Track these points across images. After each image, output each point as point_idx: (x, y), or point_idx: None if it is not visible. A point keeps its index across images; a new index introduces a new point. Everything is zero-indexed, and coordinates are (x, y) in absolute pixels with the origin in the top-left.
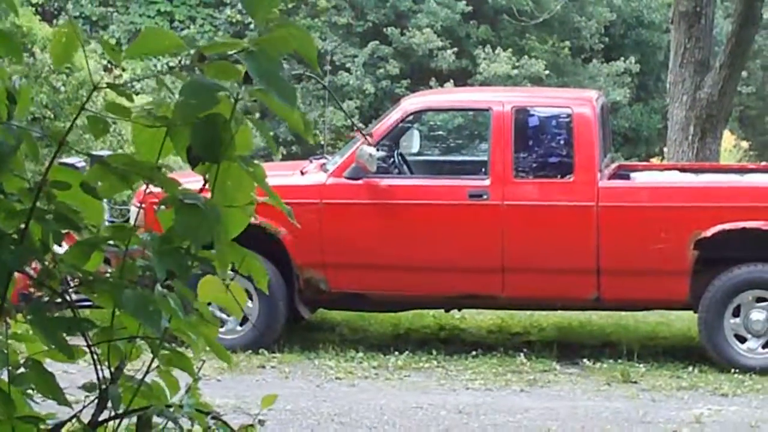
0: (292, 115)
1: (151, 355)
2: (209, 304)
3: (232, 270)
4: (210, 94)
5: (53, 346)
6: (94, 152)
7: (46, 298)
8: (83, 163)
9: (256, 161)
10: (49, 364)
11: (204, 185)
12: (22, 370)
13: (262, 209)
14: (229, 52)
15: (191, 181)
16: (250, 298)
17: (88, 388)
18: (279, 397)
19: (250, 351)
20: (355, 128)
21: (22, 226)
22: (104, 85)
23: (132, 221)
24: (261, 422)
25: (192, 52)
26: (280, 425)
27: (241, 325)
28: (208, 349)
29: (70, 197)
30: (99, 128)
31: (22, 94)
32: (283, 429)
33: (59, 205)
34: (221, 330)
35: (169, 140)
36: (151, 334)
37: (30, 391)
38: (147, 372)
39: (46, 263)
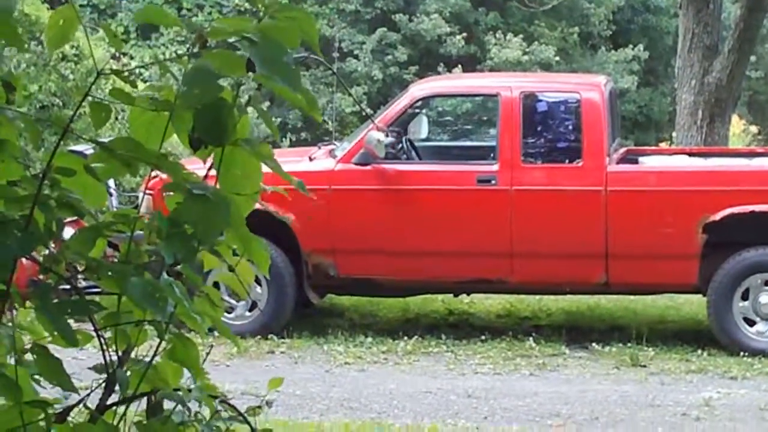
0: (296, 94)
1: (158, 340)
2: (217, 286)
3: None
4: (213, 81)
5: (57, 333)
6: (102, 139)
7: (53, 284)
8: (92, 150)
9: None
10: (58, 351)
11: (209, 170)
12: (28, 355)
13: (271, 195)
14: (230, 40)
15: (197, 168)
16: (259, 284)
17: (98, 369)
18: (288, 382)
19: (259, 337)
20: (366, 114)
21: (27, 212)
22: (108, 71)
23: (142, 209)
24: (269, 404)
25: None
26: (290, 410)
27: (250, 310)
28: (217, 334)
29: (74, 183)
30: (101, 115)
31: (18, 80)
32: (292, 414)
33: (63, 192)
34: (230, 316)
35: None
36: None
37: (36, 377)
38: (154, 356)
39: (52, 249)
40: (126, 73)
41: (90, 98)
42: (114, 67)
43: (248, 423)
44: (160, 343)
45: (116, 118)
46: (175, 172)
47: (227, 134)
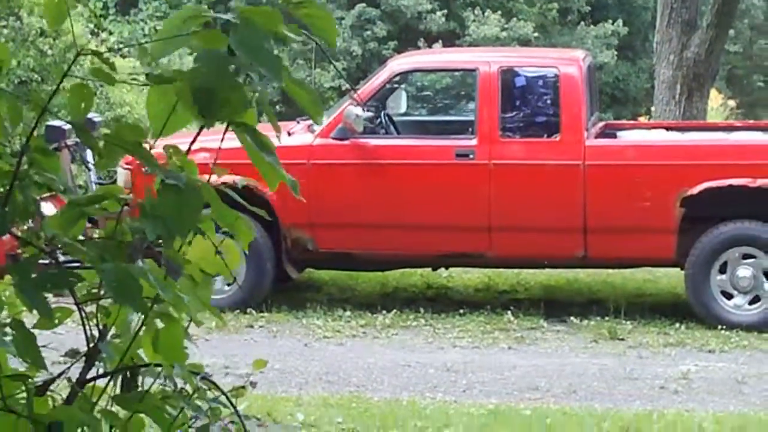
0: (304, 95)
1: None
2: None
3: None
4: (223, 63)
5: (35, 310)
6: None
7: (33, 258)
8: (99, 119)
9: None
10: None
11: (191, 145)
12: (6, 329)
13: (249, 170)
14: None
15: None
16: None
17: (70, 354)
18: (267, 356)
19: (238, 311)
20: (349, 87)
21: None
22: (88, 51)
23: (119, 182)
24: (252, 384)
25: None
26: (269, 384)
27: (228, 285)
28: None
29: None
30: (83, 94)
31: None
32: (271, 388)
33: (40, 169)
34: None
35: (182, 110)
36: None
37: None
38: (137, 332)
39: (32, 224)
40: (105, 53)
41: (72, 78)
42: (94, 44)
43: (230, 402)
44: (144, 320)
45: (95, 94)
46: (150, 161)
47: (221, 111)
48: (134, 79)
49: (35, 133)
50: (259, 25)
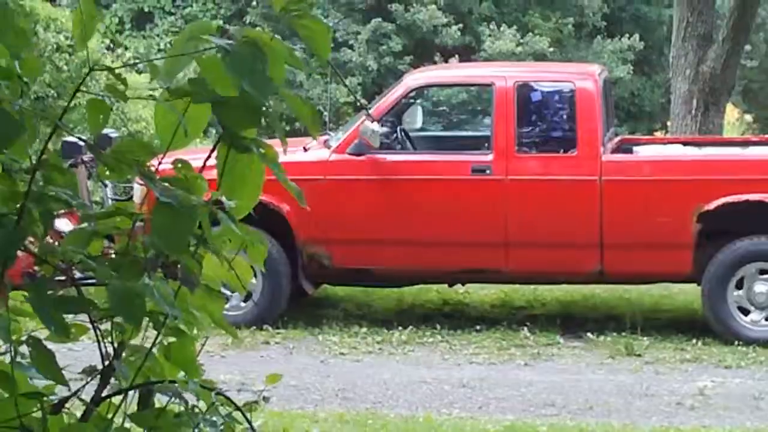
0: (302, 108)
1: (155, 332)
2: None
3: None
4: (260, 67)
5: (51, 328)
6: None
7: (49, 277)
8: (115, 134)
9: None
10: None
11: (205, 161)
12: (24, 347)
13: (266, 185)
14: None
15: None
16: (255, 275)
17: (88, 371)
18: (283, 372)
19: (254, 327)
20: (360, 104)
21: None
22: (102, 67)
23: (135, 199)
24: (266, 399)
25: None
26: (285, 401)
27: (244, 301)
28: (213, 326)
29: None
30: (99, 109)
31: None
32: (287, 404)
33: (52, 186)
34: (225, 306)
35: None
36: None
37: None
38: (151, 348)
39: (48, 241)
40: (119, 69)
41: (85, 93)
42: (109, 60)
43: (244, 416)
44: (158, 336)
45: (111, 109)
46: (150, 178)
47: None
48: (150, 96)
49: (51, 149)
50: (255, 46)
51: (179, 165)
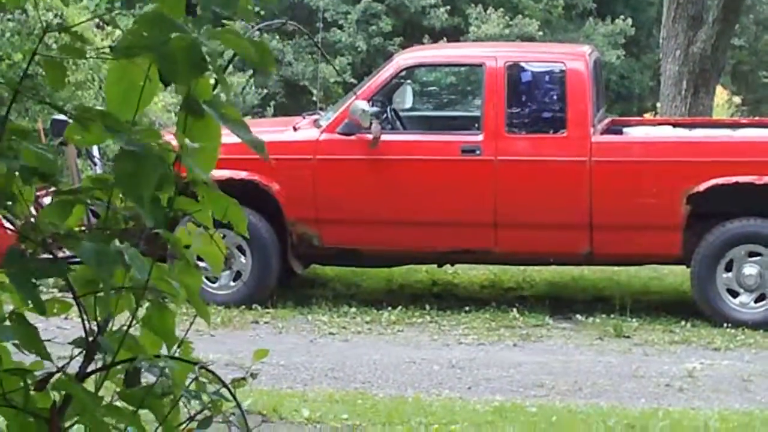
0: (247, 47)
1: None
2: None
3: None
4: (168, 24)
5: (29, 301)
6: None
7: (30, 252)
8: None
9: (248, 117)
10: (42, 320)
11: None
12: (6, 323)
13: (255, 164)
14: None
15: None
16: (243, 254)
17: (78, 343)
18: (272, 352)
19: (243, 306)
20: (347, 84)
21: None
22: (55, 29)
23: None
24: (253, 375)
25: None
26: (274, 380)
27: (234, 280)
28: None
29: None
30: (57, 73)
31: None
32: (276, 384)
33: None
34: (214, 286)
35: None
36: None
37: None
38: (131, 324)
39: (28, 217)
40: (73, 29)
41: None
42: (99, 38)
43: (230, 392)
44: (136, 309)
45: (66, 76)
46: (118, 132)
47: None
48: (102, 53)
49: (41, 127)
50: None
51: (149, 132)
